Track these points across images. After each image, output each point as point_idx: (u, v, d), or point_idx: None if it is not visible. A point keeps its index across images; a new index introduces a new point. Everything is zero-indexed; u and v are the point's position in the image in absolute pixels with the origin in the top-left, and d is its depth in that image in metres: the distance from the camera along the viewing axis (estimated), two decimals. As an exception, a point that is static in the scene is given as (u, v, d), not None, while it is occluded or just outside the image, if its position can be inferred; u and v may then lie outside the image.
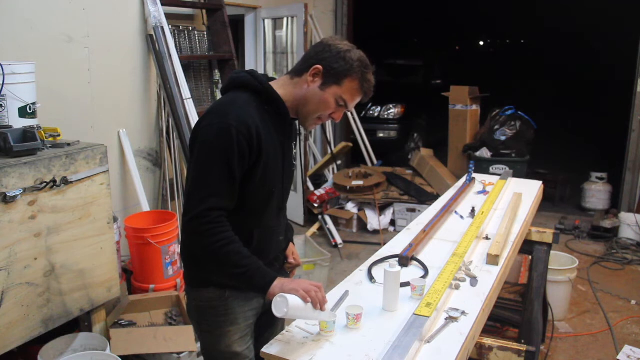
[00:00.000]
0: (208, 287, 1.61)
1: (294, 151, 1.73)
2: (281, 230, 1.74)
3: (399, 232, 2.52)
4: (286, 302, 1.36)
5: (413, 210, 4.89)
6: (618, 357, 2.96)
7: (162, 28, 3.61)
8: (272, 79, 1.65)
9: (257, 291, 1.49)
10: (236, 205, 1.52)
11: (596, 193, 5.44)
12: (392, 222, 5.04)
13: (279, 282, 1.46)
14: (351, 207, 5.05)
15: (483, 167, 5.16)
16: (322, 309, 1.43)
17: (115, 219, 2.73)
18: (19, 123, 2.25)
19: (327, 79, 1.53)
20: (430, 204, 2.76)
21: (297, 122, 1.70)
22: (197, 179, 1.48)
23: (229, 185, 1.47)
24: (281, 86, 1.59)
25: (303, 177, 5.01)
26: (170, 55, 3.61)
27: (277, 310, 1.38)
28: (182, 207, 3.73)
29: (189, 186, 1.51)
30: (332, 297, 1.67)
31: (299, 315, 1.42)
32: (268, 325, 1.80)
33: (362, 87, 1.55)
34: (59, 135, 2.31)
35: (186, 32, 4.03)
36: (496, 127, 5.35)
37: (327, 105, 1.55)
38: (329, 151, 5.72)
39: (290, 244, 1.86)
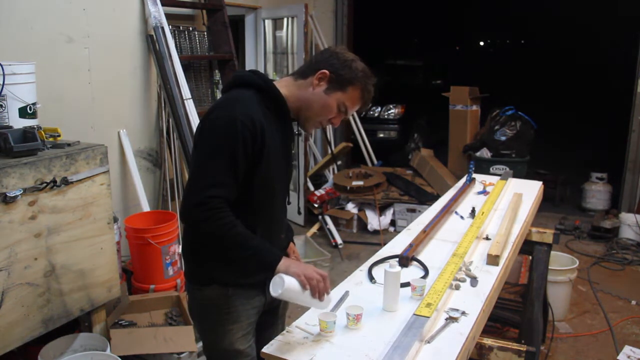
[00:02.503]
0: (210, 284, 1.62)
1: (292, 151, 1.75)
2: (282, 228, 1.76)
3: (399, 232, 2.52)
4: (282, 283, 1.39)
5: (413, 211, 4.89)
6: (618, 358, 2.96)
7: (162, 28, 3.61)
8: (273, 80, 1.66)
9: (264, 269, 1.50)
10: (240, 201, 1.53)
11: (596, 193, 5.44)
12: (392, 223, 5.04)
13: (285, 261, 1.49)
14: (351, 207, 5.05)
15: (483, 167, 5.15)
16: (320, 299, 1.45)
17: (115, 219, 2.73)
18: (19, 123, 2.24)
19: (333, 85, 1.58)
20: (430, 204, 2.76)
21: (295, 123, 1.71)
22: (200, 169, 1.50)
23: (231, 177, 1.48)
24: (284, 86, 1.62)
25: (303, 177, 5.01)
26: (170, 56, 3.61)
27: (273, 289, 1.41)
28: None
29: (190, 176, 1.54)
30: (332, 297, 1.67)
31: (295, 298, 1.44)
32: (269, 325, 1.81)
33: (363, 96, 1.62)
34: (59, 136, 2.31)
35: (186, 33, 4.03)
36: (496, 127, 5.34)
37: (330, 109, 1.60)
38: (329, 151, 5.72)
39: (291, 243, 1.87)
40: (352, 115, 6.15)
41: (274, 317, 1.84)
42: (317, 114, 1.61)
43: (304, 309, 1.58)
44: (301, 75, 1.62)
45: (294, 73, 1.67)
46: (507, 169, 5.01)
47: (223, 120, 1.48)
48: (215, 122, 1.50)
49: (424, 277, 1.81)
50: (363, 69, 1.60)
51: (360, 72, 1.59)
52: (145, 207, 3.45)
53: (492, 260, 1.94)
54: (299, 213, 5.02)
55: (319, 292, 1.44)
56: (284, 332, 1.47)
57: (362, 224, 5.00)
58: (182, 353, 2.56)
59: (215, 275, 1.60)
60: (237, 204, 1.53)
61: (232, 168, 1.47)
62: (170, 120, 3.65)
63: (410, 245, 2.00)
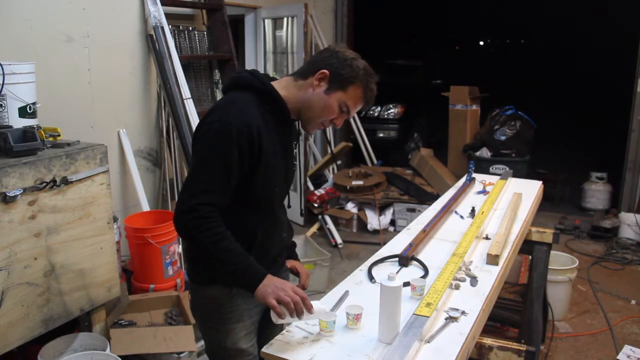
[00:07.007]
0: (214, 284, 1.62)
1: (295, 151, 1.75)
2: (284, 227, 1.76)
3: (399, 232, 2.52)
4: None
5: (413, 210, 4.89)
6: (618, 357, 2.96)
7: (162, 28, 3.61)
8: (274, 78, 1.66)
9: (246, 289, 1.51)
10: (240, 202, 1.54)
11: (596, 193, 5.44)
12: (392, 222, 5.04)
13: (263, 287, 1.46)
14: (351, 207, 5.05)
15: (483, 167, 5.15)
16: (299, 318, 1.44)
17: (115, 219, 2.73)
18: (19, 123, 2.24)
19: (333, 84, 1.55)
20: (430, 204, 2.75)
21: (297, 122, 1.71)
22: (192, 175, 1.50)
23: (223, 184, 1.48)
24: (283, 87, 1.60)
25: (303, 177, 5.01)
26: (170, 55, 3.61)
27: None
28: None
29: (184, 183, 1.54)
30: (332, 297, 1.67)
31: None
32: (271, 322, 1.80)
33: (365, 95, 1.58)
34: (59, 135, 2.31)
35: (186, 32, 4.03)
36: (496, 127, 5.35)
37: (331, 109, 1.57)
38: (329, 151, 5.72)
39: (300, 265, 1.85)
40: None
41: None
42: (318, 114, 1.59)
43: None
44: (301, 76, 1.60)
45: (294, 73, 1.64)
46: (507, 168, 5.01)
47: (218, 127, 1.47)
48: (210, 128, 1.49)
49: (424, 276, 1.81)
50: (364, 67, 1.57)
51: (362, 71, 1.55)
52: (145, 207, 3.45)
53: (492, 259, 1.94)
54: (301, 214, 5.01)
55: (297, 314, 1.43)
56: (284, 331, 1.47)
57: (362, 224, 5.00)
58: (181, 353, 2.56)
59: (218, 275, 1.59)
60: (237, 204, 1.53)
61: (225, 176, 1.47)
62: (170, 120, 3.65)
63: (410, 244, 2.00)
